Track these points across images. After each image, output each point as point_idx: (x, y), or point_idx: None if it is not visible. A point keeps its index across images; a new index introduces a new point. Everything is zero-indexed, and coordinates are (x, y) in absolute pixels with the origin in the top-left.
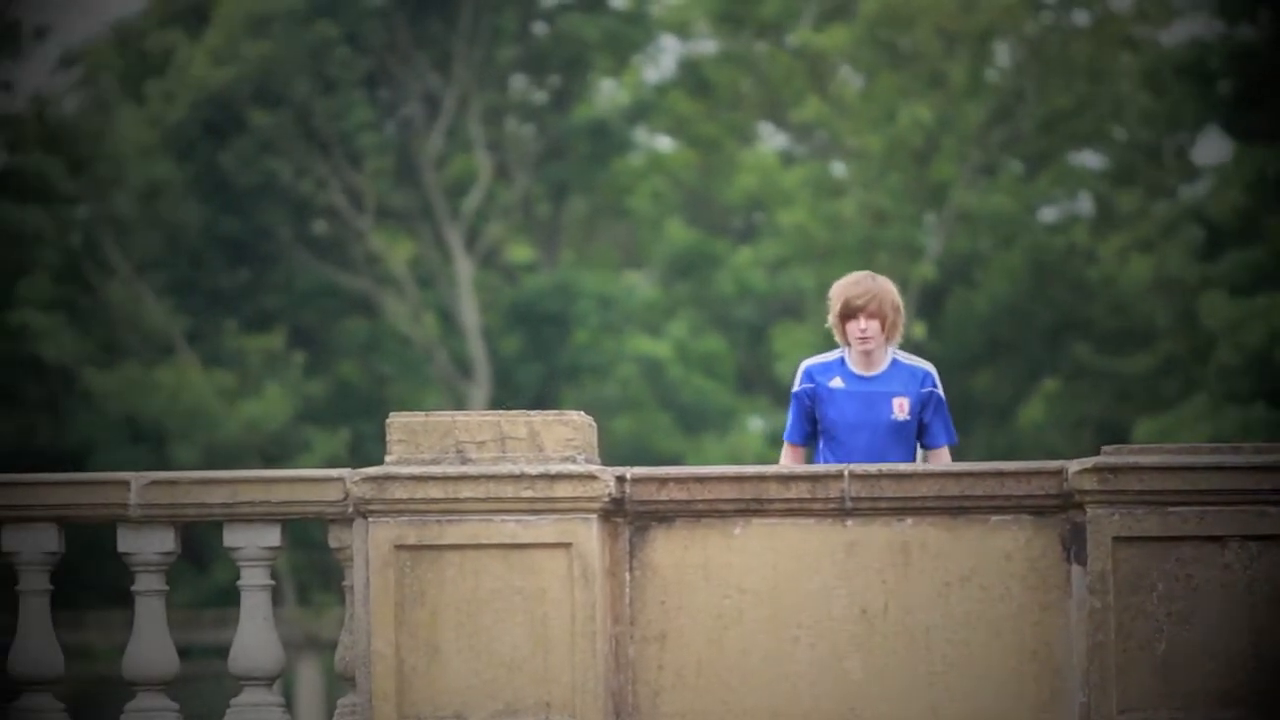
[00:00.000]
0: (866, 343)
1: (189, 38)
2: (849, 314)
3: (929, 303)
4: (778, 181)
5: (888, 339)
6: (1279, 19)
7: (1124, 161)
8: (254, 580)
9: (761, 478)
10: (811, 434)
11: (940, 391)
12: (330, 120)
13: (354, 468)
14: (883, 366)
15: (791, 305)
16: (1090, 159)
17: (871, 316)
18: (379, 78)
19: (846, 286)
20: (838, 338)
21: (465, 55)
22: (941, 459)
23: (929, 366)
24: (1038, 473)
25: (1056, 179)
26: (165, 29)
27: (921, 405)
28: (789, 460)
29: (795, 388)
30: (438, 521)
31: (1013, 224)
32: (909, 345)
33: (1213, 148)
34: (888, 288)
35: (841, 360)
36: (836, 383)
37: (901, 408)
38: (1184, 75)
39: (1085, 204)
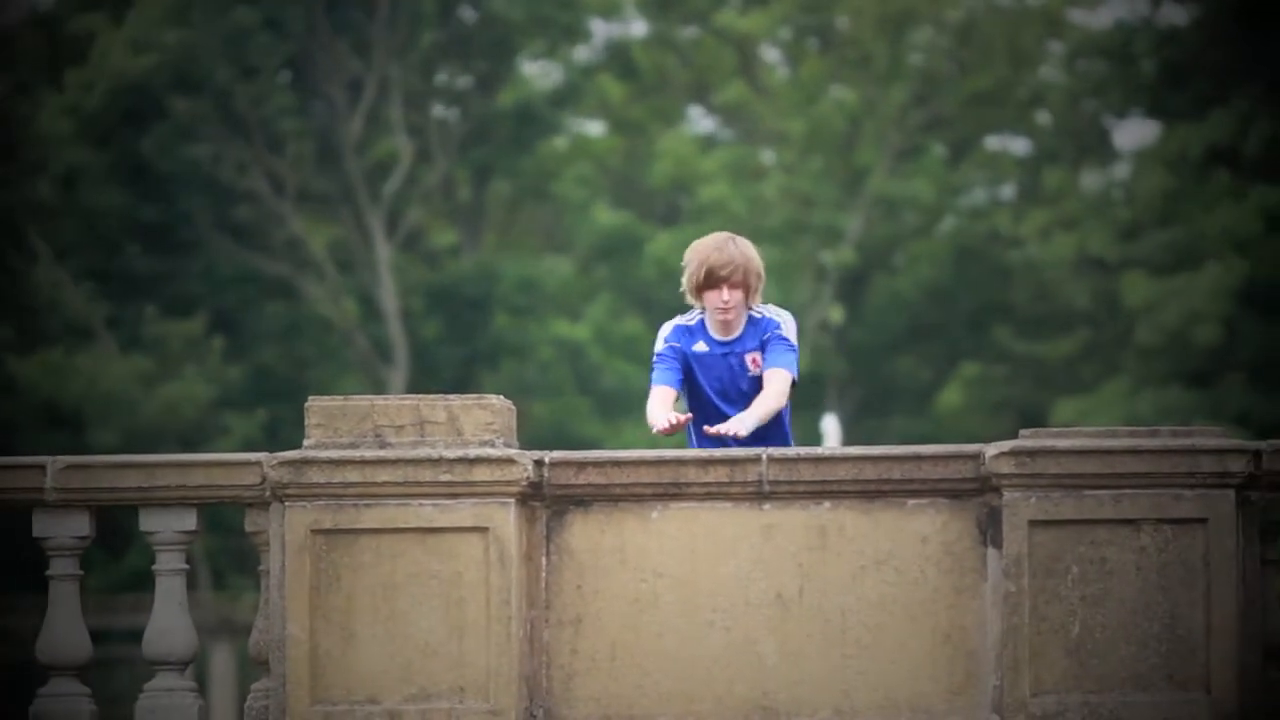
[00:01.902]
0: (728, 313)
1: (111, 23)
2: (710, 284)
3: (850, 287)
4: (696, 165)
5: (748, 305)
6: (1202, 2)
7: (1047, 144)
8: (169, 565)
9: (680, 462)
10: (684, 380)
11: (785, 334)
12: (250, 106)
13: (272, 452)
14: (740, 330)
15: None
16: (1013, 143)
17: (735, 287)
18: (299, 63)
19: (708, 253)
20: (692, 301)
21: (385, 40)
22: (773, 380)
23: (781, 317)
24: (955, 456)
25: (979, 163)
26: (86, 14)
27: (763, 346)
28: (659, 401)
29: (659, 348)
30: (354, 505)
31: (934, 208)
32: (829, 330)
33: (1136, 130)
34: (751, 254)
35: (702, 324)
36: (700, 347)
37: (755, 362)
38: (1107, 58)
39: (1008, 189)
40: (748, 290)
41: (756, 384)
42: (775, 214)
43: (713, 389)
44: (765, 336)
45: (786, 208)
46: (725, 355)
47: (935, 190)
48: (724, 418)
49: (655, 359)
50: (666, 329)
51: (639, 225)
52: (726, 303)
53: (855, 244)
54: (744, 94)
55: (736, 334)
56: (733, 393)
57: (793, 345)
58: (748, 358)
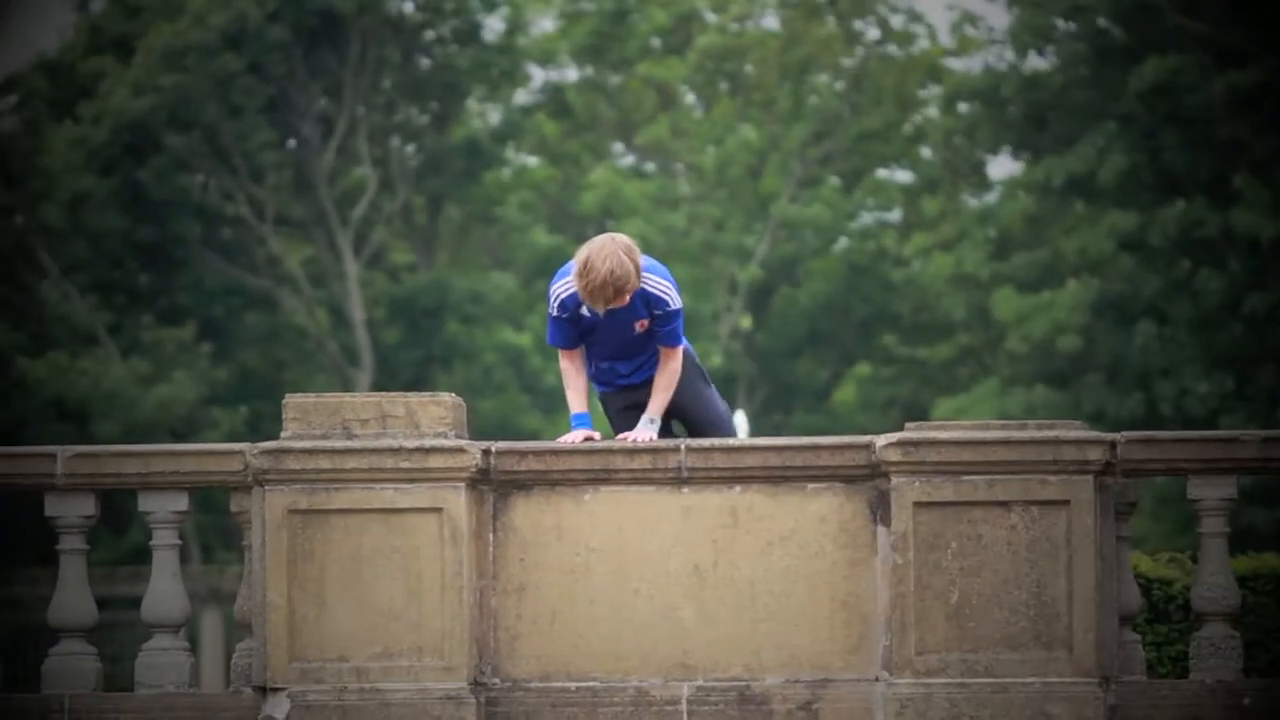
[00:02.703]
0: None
1: (117, 65)
2: (613, 299)
3: (757, 299)
4: (622, 195)
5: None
6: (1062, 50)
7: (928, 175)
8: (164, 540)
9: (609, 451)
10: (579, 338)
11: (672, 307)
12: (236, 140)
13: (253, 443)
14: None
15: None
16: (899, 174)
17: (627, 292)
18: (279, 103)
19: (587, 290)
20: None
21: (354, 83)
22: (664, 360)
23: (662, 288)
24: (849, 446)
25: (869, 191)
26: (95, 57)
27: (652, 318)
28: (568, 362)
29: (553, 313)
30: (326, 489)
31: (830, 230)
32: (739, 336)
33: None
34: (624, 268)
35: None
36: (585, 310)
37: (642, 325)
38: (980, 100)
39: (894, 214)
40: (636, 287)
41: (645, 339)
42: (691, 237)
43: (604, 345)
44: (655, 312)
45: (701, 231)
46: (613, 320)
47: (831, 215)
48: (615, 371)
49: (551, 320)
50: (560, 290)
51: (572, 246)
52: (619, 303)
53: (762, 262)
54: (662, 133)
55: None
56: (620, 349)
57: (675, 315)
58: (636, 324)
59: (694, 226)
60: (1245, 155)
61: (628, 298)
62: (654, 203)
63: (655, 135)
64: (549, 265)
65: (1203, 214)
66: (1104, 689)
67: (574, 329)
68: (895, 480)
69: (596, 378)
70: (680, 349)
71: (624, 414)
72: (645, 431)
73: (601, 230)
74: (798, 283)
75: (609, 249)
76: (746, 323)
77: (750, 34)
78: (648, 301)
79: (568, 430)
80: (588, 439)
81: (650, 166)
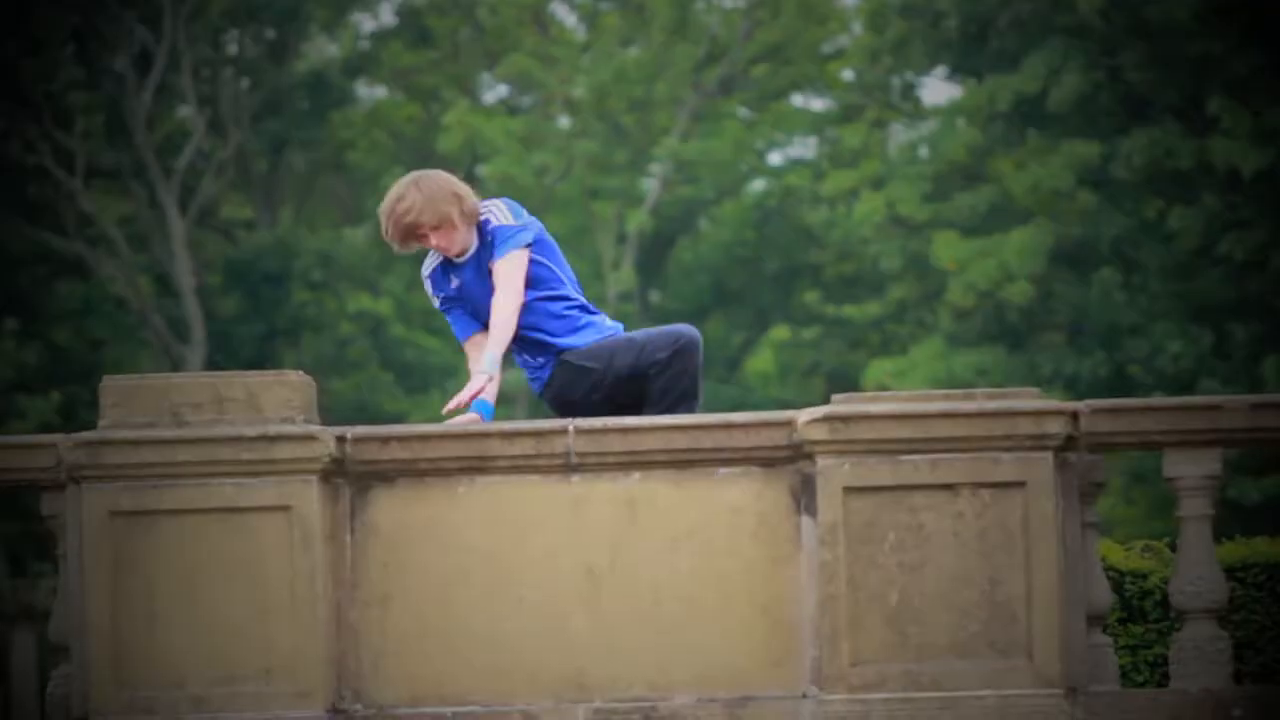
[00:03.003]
0: (449, 250)
1: None
2: (406, 240)
3: (650, 253)
4: (483, 134)
5: (468, 227)
6: None
7: (847, 102)
8: None
9: (485, 434)
10: (470, 321)
11: (493, 224)
12: (36, 80)
13: (67, 434)
14: (473, 245)
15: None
16: (813, 100)
17: (434, 229)
18: (84, 35)
19: (383, 221)
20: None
21: (174, 9)
22: (498, 282)
23: (489, 208)
24: (767, 424)
25: (777, 122)
26: None
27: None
28: (472, 366)
29: (435, 304)
30: (153, 487)
31: (734, 170)
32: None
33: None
34: (411, 197)
35: (443, 257)
36: (454, 281)
37: (494, 269)
38: (909, 11)
39: (809, 148)
40: (448, 224)
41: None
42: (568, 180)
43: (474, 305)
44: (489, 240)
45: (581, 173)
46: (478, 275)
47: (733, 151)
48: (525, 363)
49: (441, 310)
50: (427, 269)
51: None
52: (438, 246)
53: (653, 208)
54: (529, 62)
55: (472, 249)
56: (488, 297)
57: (506, 229)
58: (489, 268)
59: (571, 168)
60: (1221, 74)
61: (442, 238)
62: (523, 142)
63: (521, 65)
64: None
65: (1174, 143)
66: (1070, 701)
67: (460, 311)
68: (821, 462)
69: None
70: (512, 259)
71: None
72: (481, 380)
73: (469, 175)
74: (698, 232)
75: (399, 183)
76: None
77: None
78: (486, 236)
79: (435, 411)
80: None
81: (527, 100)
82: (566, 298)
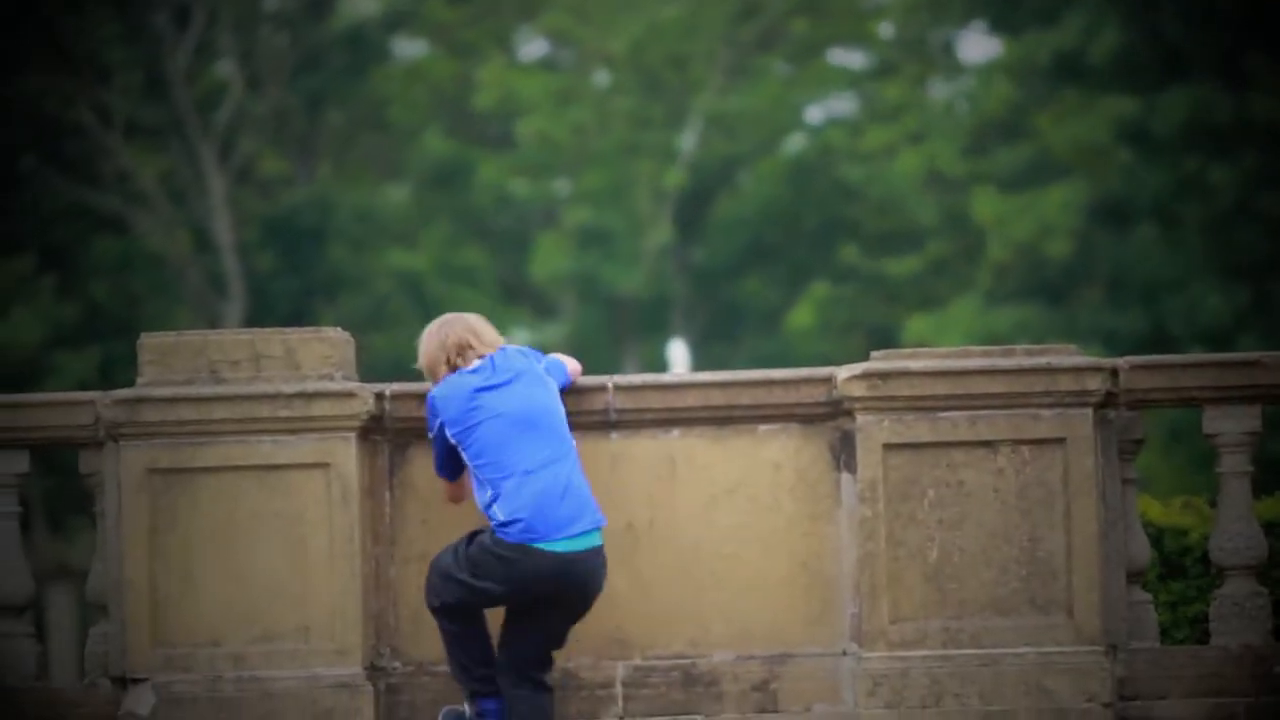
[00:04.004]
0: None
1: None
2: None
3: (689, 210)
4: (518, 90)
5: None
6: None
7: (886, 57)
8: (2, 507)
9: None
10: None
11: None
12: (75, 35)
13: (105, 391)
14: None
15: (551, 213)
16: (852, 56)
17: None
18: None
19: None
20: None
21: None
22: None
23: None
24: (806, 380)
25: (816, 78)
26: None
27: None
28: None
29: None
30: (191, 444)
31: (772, 126)
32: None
33: (978, 42)
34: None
35: None
36: None
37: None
38: None
39: (848, 103)
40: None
41: None
42: (607, 136)
43: None
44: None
45: (618, 130)
46: None
47: (771, 107)
48: None
49: None
50: None
51: (469, 151)
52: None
53: (692, 165)
54: (566, 18)
55: None
56: None
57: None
58: None
59: (608, 124)
60: (1261, 30)
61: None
62: (559, 98)
63: (558, 20)
64: (446, 174)
65: (1212, 99)
66: (1110, 658)
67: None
68: (861, 419)
69: None
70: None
71: None
72: None
73: (505, 132)
74: (736, 188)
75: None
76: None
77: None
78: None
79: None
80: None
81: (565, 55)
82: None
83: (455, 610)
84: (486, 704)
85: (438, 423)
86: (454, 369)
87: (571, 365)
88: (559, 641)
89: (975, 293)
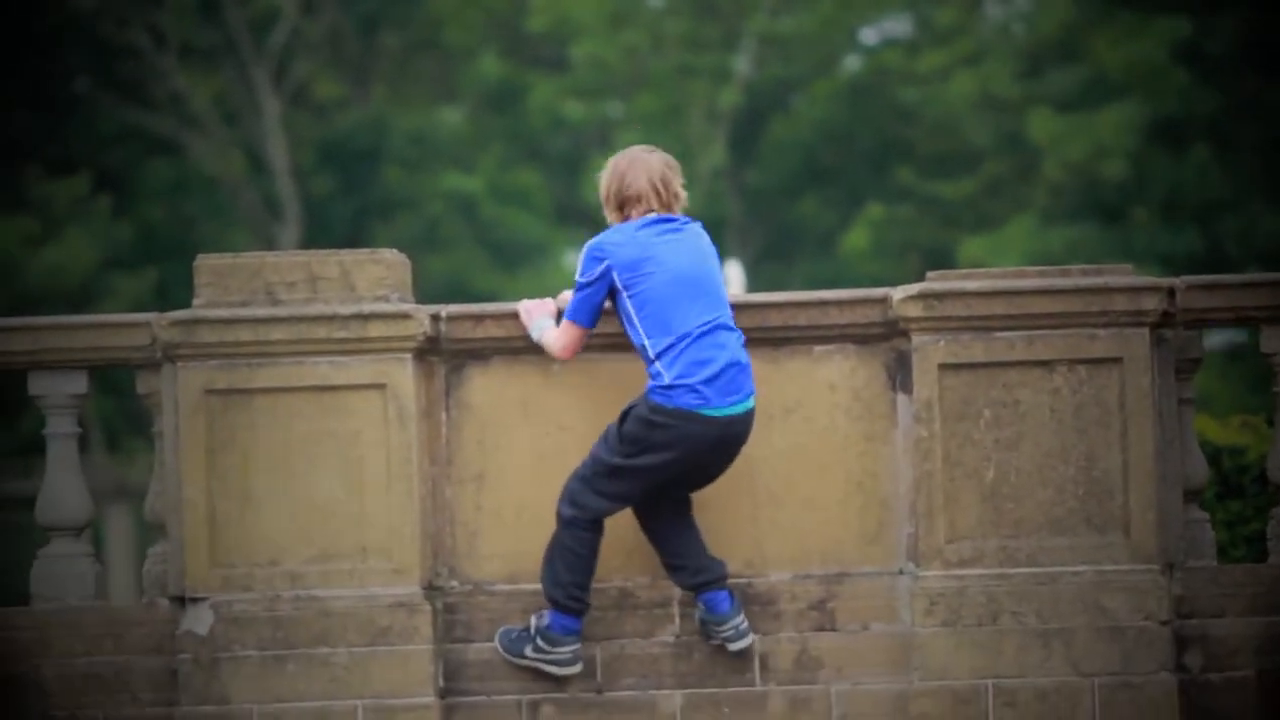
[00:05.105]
0: None
1: None
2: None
3: (744, 131)
4: (572, 12)
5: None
6: None
7: None
8: (60, 428)
9: None
10: None
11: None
12: None
13: (162, 312)
14: None
15: (604, 135)
16: None
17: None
18: None
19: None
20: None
21: None
22: None
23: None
24: (861, 301)
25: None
26: None
27: None
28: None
29: None
30: (248, 365)
31: (826, 47)
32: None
33: None
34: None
35: None
36: None
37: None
38: None
39: (903, 24)
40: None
41: None
42: (661, 58)
43: None
44: None
45: (672, 52)
46: None
47: (825, 28)
48: None
49: None
50: None
51: (523, 74)
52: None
53: (747, 86)
54: None
55: None
56: None
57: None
58: None
59: (661, 46)
60: None
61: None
62: (612, 20)
63: None
64: (500, 97)
65: (1267, 19)
66: (1167, 577)
67: None
68: (916, 339)
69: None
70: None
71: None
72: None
73: (560, 55)
74: (790, 110)
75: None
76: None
77: None
78: None
79: (528, 288)
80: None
81: None
82: None
83: (582, 524)
84: (558, 617)
85: (600, 269)
86: (628, 217)
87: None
88: (705, 486)
89: (1030, 214)
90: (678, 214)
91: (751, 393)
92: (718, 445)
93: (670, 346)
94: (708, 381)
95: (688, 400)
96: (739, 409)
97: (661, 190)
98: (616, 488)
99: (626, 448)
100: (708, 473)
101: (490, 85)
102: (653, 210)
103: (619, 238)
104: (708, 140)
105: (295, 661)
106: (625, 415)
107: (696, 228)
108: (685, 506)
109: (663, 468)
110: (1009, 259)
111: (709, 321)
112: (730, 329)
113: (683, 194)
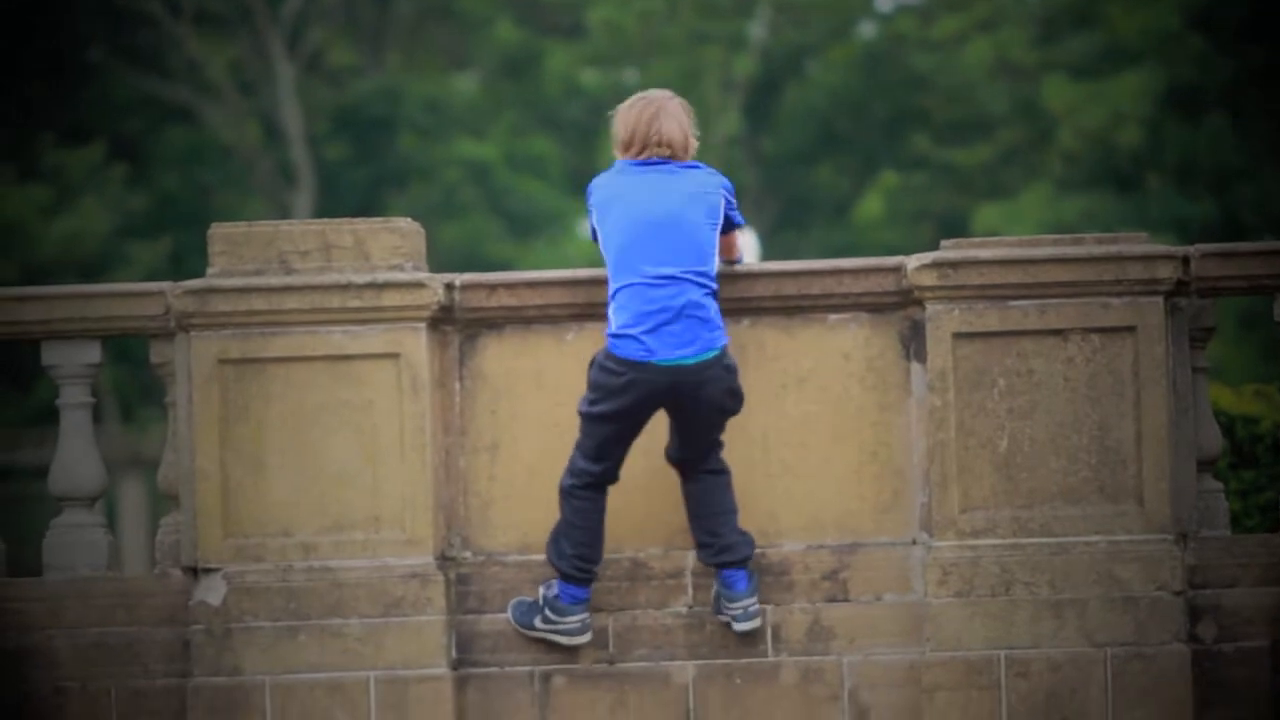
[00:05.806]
0: None
1: None
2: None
3: (759, 98)
4: None
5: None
6: None
7: None
8: (73, 398)
9: (594, 282)
10: None
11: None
12: None
13: (175, 281)
14: None
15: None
16: None
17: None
18: None
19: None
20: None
21: None
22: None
23: None
24: (876, 269)
25: None
26: None
27: None
28: None
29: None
30: (261, 334)
31: (841, 13)
32: (739, 142)
33: None
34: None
35: None
36: None
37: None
38: None
39: None
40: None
41: None
42: (676, 24)
43: None
44: None
45: (687, 18)
46: None
47: None
48: None
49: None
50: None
51: (538, 41)
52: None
53: (763, 52)
54: None
55: None
56: None
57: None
58: None
59: (676, 11)
60: None
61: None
62: None
63: None
64: (515, 64)
65: None
66: (1181, 546)
67: None
68: (931, 308)
69: None
70: None
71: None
72: None
73: (576, 22)
74: (805, 77)
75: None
76: (733, 124)
77: None
78: None
79: (543, 258)
80: None
81: None
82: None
83: (577, 492)
84: (566, 587)
85: (590, 204)
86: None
87: (746, 245)
88: (702, 442)
89: (1045, 181)
90: (685, 159)
91: (711, 346)
92: (672, 390)
93: (620, 290)
94: (651, 331)
95: (631, 349)
96: (690, 360)
97: (657, 135)
98: (592, 440)
99: (590, 394)
100: (684, 416)
101: (505, 52)
102: (646, 153)
103: (604, 178)
104: (723, 107)
105: (308, 632)
106: (592, 362)
107: (696, 174)
108: (724, 479)
109: (624, 413)
110: (1024, 227)
111: (669, 273)
112: (697, 284)
113: (692, 141)
